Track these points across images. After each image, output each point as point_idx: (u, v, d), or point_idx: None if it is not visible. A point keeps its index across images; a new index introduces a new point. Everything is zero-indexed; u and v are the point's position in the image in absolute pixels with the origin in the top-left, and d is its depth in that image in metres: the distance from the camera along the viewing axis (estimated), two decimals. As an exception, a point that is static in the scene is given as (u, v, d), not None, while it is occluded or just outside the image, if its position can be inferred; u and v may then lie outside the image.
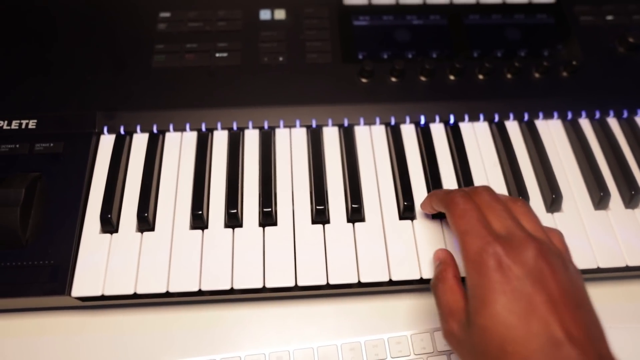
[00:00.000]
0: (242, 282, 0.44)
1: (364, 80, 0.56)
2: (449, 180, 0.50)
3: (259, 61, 0.56)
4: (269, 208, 0.46)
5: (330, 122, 0.53)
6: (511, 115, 0.55)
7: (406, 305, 0.47)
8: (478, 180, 0.50)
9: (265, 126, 0.53)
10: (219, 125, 0.53)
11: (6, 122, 0.51)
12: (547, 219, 0.48)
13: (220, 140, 0.52)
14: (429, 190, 0.49)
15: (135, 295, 0.43)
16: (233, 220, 0.46)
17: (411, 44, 0.58)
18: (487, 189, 0.39)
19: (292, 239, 0.46)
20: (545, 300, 0.31)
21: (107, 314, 0.46)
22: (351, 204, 0.47)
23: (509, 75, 0.57)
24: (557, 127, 0.55)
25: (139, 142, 0.52)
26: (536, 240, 0.34)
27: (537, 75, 0.57)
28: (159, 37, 0.57)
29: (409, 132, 0.53)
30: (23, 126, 0.51)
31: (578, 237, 0.47)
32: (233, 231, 0.46)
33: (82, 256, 0.44)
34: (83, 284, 0.43)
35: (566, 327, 0.30)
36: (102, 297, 0.43)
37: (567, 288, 0.32)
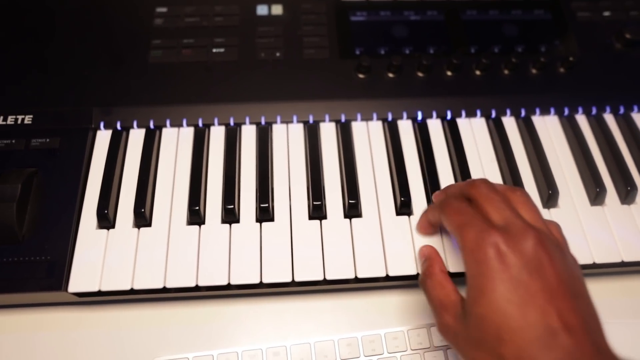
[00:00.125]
0: (239, 278, 0.44)
1: (361, 75, 0.55)
2: (446, 176, 0.50)
3: (256, 57, 0.56)
4: (266, 204, 0.46)
5: (327, 117, 0.53)
6: (508, 111, 0.55)
7: (403, 301, 0.47)
8: (475, 176, 0.50)
9: (263, 122, 0.53)
10: (216, 121, 0.52)
11: (2, 117, 0.51)
12: (544, 215, 0.48)
13: (217, 135, 0.52)
14: (426, 186, 0.49)
15: (132, 291, 0.43)
16: (230, 215, 0.46)
17: (408, 40, 0.58)
18: (484, 181, 0.39)
19: (289, 234, 0.46)
20: (542, 289, 0.31)
21: (104, 310, 0.46)
22: (348, 200, 0.47)
23: (506, 71, 0.57)
24: (554, 123, 0.55)
25: (136, 137, 0.51)
26: (535, 229, 0.34)
27: (534, 71, 0.57)
28: (156, 33, 0.57)
29: (406, 127, 0.53)
30: (19, 121, 0.50)
31: (574, 232, 0.47)
32: (230, 227, 0.46)
33: (79, 252, 0.44)
34: (80, 280, 0.43)
35: (563, 316, 0.30)
36: (99, 293, 0.43)
37: (565, 278, 0.32)
